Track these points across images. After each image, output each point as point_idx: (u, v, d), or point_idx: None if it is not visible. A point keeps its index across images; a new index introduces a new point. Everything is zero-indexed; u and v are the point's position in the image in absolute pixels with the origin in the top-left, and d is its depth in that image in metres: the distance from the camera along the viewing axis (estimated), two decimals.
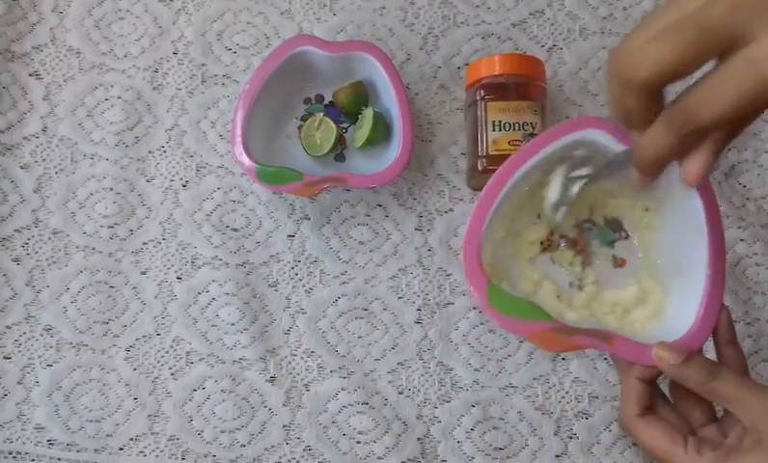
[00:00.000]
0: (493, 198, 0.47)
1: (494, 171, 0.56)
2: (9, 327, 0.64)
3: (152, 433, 0.62)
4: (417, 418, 0.62)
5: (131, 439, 0.62)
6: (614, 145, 0.47)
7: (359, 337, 0.64)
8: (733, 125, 0.37)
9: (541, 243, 0.52)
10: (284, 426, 0.62)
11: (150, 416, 0.62)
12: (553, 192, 0.48)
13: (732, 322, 0.47)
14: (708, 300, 0.45)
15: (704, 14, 0.33)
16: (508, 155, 0.51)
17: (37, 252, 0.65)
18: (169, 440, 0.62)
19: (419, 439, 0.62)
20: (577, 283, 0.52)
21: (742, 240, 0.64)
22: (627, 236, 0.52)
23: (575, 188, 0.47)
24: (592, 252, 0.52)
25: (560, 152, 0.47)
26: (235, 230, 0.65)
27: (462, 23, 0.68)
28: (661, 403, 0.46)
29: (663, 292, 0.49)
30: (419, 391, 0.63)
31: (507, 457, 0.61)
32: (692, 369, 0.42)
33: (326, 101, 0.66)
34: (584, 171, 0.48)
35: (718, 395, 0.42)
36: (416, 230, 0.65)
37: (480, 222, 0.46)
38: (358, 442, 0.62)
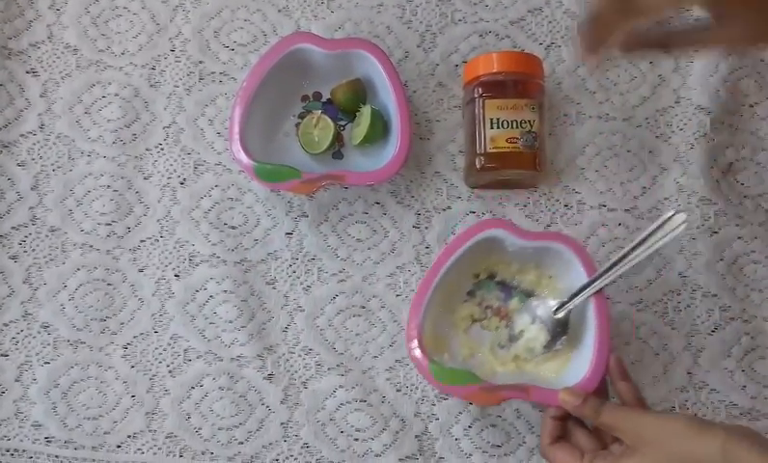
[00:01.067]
0: (425, 293, 0.58)
1: (492, 168, 0.58)
2: (6, 324, 0.64)
3: (150, 430, 0.62)
4: (415, 415, 0.62)
5: (129, 436, 0.62)
6: (512, 239, 0.58)
7: (357, 334, 0.64)
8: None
9: (472, 317, 0.61)
10: (281, 424, 0.62)
11: (147, 413, 0.62)
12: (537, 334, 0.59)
13: (622, 363, 0.56)
14: (597, 351, 0.55)
15: None
16: (507, 153, 0.60)
17: (34, 249, 0.65)
18: (167, 437, 0.62)
19: (416, 436, 0.62)
20: (504, 343, 0.60)
21: (739, 238, 0.64)
22: (555, 314, 0.59)
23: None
24: (513, 317, 0.62)
25: (472, 250, 0.58)
26: (233, 227, 0.65)
27: (460, 21, 0.68)
28: (576, 431, 0.55)
29: (570, 349, 0.58)
30: (416, 388, 0.63)
31: (505, 454, 0.61)
32: (586, 408, 0.53)
33: (324, 99, 0.66)
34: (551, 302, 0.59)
35: (605, 425, 0.53)
36: (414, 227, 0.65)
37: (417, 314, 0.57)
38: (356, 439, 0.62)
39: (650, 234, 0.55)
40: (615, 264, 0.56)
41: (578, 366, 0.57)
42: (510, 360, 0.60)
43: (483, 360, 0.60)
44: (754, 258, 0.64)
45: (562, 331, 0.58)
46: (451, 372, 0.56)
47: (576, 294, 0.57)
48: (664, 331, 0.63)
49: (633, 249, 0.56)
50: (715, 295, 0.63)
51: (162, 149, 0.66)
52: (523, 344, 0.59)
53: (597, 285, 0.56)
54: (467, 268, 0.61)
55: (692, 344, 0.63)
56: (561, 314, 0.58)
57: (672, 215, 0.55)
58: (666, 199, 0.65)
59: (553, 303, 0.59)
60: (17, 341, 0.63)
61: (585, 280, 0.57)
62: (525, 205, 0.65)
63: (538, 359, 0.59)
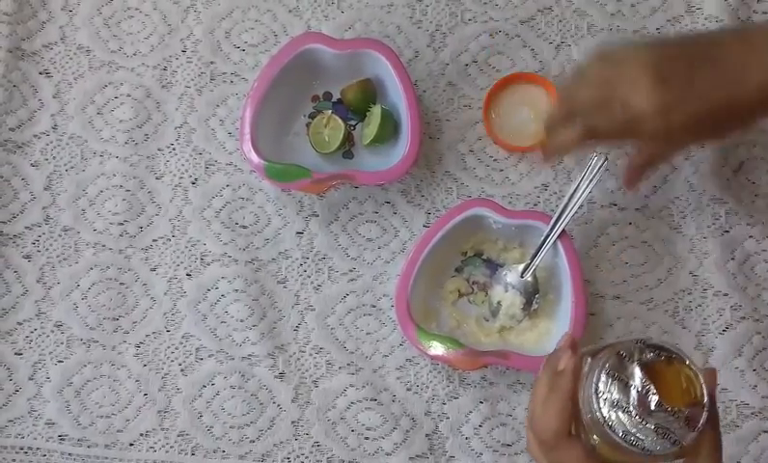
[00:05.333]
0: (413, 267, 0.60)
1: None
2: (20, 323, 0.64)
3: (162, 429, 0.63)
4: (425, 414, 0.62)
5: (141, 434, 0.63)
6: (495, 217, 0.61)
7: (367, 333, 0.64)
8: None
9: (459, 291, 0.64)
10: (292, 422, 0.62)
11: (159, 411, 0.63)
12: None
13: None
14: (574, 322, 0.59)
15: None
16: None
17: (47, 249, 0.65)
18: (179, 435, 0.63)
19: (427, 435, 0.62)
20: (489, 317, 0.63)
21: (751, 237, 0.64)
22: (522, 276, 0.63)
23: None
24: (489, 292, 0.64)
25: (458, 227, 0.61)
26: (244, 227, 0.65)
27: (470, 20, 0.68)
28: None
29: (549, 319, 0.62)
30: (427, 387, 0.63)
31: (515, 453, 0.61)
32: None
33: (334, 99, 0.66)
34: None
35: None
36: (424, 226, 0.65)
37: (405, 286, 0.60)
38: (366, 438, 0.62)
39: (581, 180, 0.60)
40: (559, 217, 0.60)
41: (556, 336, 0.59)
42: (496, 331, 0.63)
43: (469, 331, 0.63)
44: (766, 257, 0.63)
45: (533, 290, 0.62)
46: (436, 337, 0.59)
47: (535, 254, 0.61)
48: (675, 330, 0.63)
49: (570, 198, 0.60)
50: (726, 294, 0.63)
51: (174, 149, 0.67)
52: (504, 313, 0.62)
53: (550, 239, 0.60)
54: (454, 246, 0.63)
55: (702, 344, 0.63)
56: (528, 276, 0.61)
57: (595, 158, 0.60)
58: (677, 198, 0.65)
59: (520, 268, 0.62)
60: (31, 340, 0.64)
61: (564, 264, 0.61)
62: (535, 205, 0.65)
63: (521, 327, 0.62)
